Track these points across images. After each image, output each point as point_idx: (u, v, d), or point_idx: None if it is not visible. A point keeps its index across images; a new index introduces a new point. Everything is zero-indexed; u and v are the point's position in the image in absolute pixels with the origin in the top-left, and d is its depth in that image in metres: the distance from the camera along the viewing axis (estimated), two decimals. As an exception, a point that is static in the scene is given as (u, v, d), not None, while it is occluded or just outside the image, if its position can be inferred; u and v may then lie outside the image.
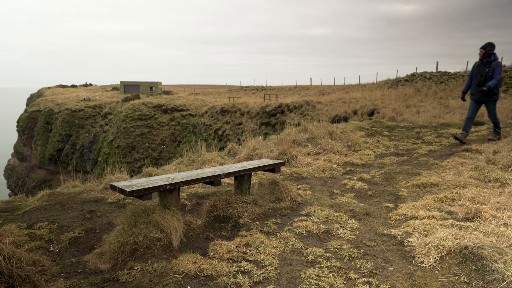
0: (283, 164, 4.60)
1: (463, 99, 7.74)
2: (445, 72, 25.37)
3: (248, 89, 52.39)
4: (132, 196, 3.23)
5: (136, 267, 2.83)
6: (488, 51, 6.87)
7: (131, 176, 5.72)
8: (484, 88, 6.81)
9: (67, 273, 2.88)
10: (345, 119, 18.37)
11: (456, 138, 7.33)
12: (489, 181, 4.58)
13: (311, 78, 50.58)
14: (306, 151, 7.26)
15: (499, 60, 6.93)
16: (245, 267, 2.81)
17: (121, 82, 56.17)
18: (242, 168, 4.14)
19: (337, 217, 3.84)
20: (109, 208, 4.41)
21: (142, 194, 3.25)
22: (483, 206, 3.62)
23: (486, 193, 4.08)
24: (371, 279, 2.58)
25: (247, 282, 2.59)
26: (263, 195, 4.25)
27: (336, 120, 18.24)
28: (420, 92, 22.34)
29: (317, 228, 3.54)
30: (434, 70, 26.30)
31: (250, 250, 3.10)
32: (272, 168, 4.50)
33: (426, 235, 3.17)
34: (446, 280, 2.48)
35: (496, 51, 6.92)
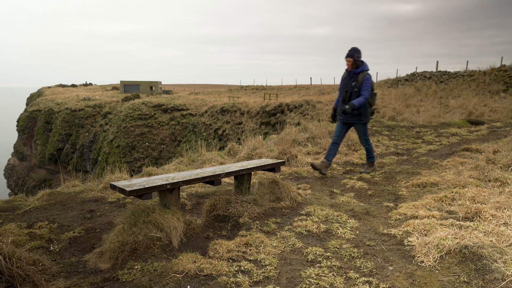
0: (283, 163, 4.60)
1: (333, 119, 6.02)
2: (445, 71, 25.37)
3: (248, 89, 52.37)
4: (132, 196, 3.23)
5: (136, 267, 2.83)
6: (356, 58, 5.41)
7: (131, 176, 5.72)
8: (347, 107, 5.26)
9: (67, 273, 2.88)
10: (345, 119, 18.33)
11: (314, 167, 5.64)
12: (489, 181, 4.58)
13: (311, 78, 50.63)
14: (306, 150, 7.26)
15: (369, 71, 5.47)
16: (245, 267, 2.81)
17: (121, 81, 56.14)
18: (242, 168, 4.13)
19: (337, 216, 3.84)
20: (109, 207, 4.41)
21: (142, 193, 3.25)
22: (483, 205, 3.62)
23: (486, 193, 4.08)
24: (371, 279, 2.58)
25: (247, 282, 2.59)
26: (263, 194, 4.25)
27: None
28: (420, 92, 22.35)
29: (317, 228, 3.54)
30: (434, 70, 26.30)
31: (250, 250, 3.10)
32: (272, 168, 4.49)
33: (426, 235, 3.17)
34: (446, 280, 2.48)
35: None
